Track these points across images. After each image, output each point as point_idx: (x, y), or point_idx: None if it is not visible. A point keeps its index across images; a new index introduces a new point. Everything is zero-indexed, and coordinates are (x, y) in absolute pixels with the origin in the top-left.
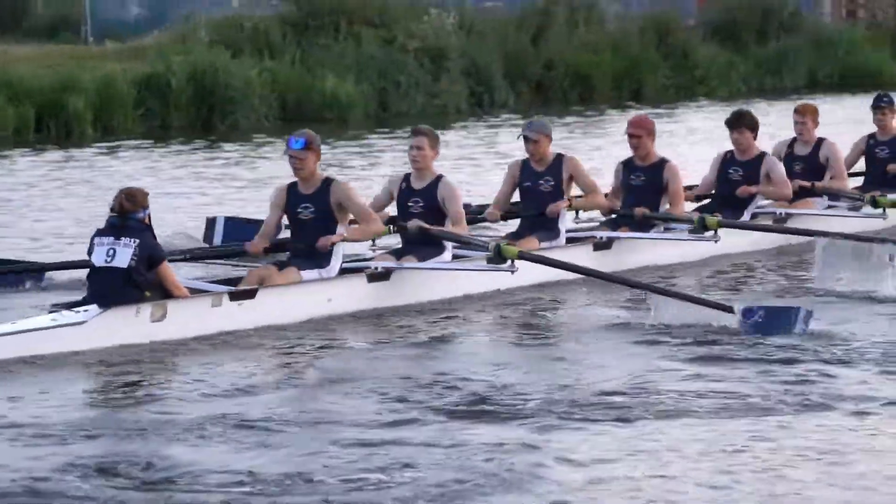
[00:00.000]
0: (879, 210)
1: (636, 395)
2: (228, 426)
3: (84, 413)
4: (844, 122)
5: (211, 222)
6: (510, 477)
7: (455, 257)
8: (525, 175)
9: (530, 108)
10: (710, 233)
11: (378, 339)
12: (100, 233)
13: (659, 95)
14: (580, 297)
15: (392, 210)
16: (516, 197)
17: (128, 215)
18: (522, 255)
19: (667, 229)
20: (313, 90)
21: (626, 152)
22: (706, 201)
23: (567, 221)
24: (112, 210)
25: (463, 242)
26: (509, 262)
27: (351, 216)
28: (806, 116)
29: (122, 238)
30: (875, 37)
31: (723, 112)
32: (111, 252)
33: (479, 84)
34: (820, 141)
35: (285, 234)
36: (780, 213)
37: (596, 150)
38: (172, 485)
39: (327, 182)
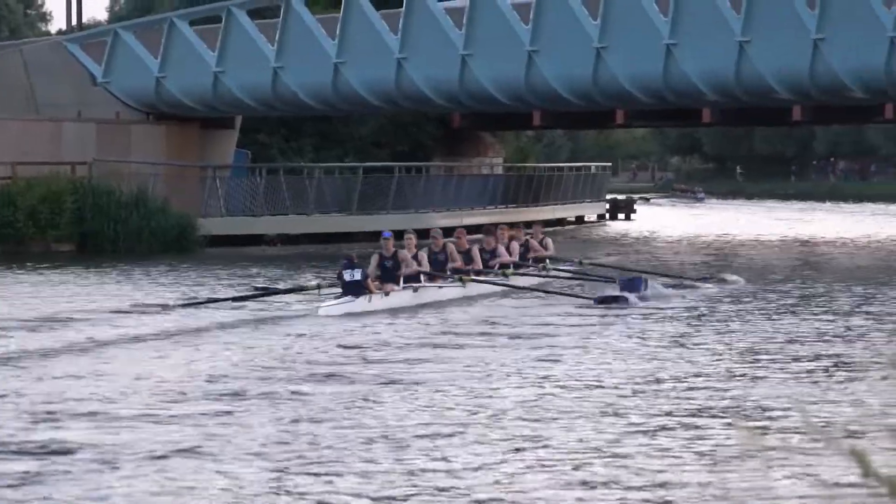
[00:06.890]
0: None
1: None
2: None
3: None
4: None
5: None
6: None
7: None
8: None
9: None
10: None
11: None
12: (344, 267)
13: None
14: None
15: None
16: None
17: (354, 261)
18: (472, 280)
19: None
20: None
21: None
22: None
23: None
24: (347, 260)
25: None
26: (461, 283)
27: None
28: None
29: (356, 269)
30: None
31: None
32: (353, 274)
33: None
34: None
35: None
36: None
37: None
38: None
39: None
